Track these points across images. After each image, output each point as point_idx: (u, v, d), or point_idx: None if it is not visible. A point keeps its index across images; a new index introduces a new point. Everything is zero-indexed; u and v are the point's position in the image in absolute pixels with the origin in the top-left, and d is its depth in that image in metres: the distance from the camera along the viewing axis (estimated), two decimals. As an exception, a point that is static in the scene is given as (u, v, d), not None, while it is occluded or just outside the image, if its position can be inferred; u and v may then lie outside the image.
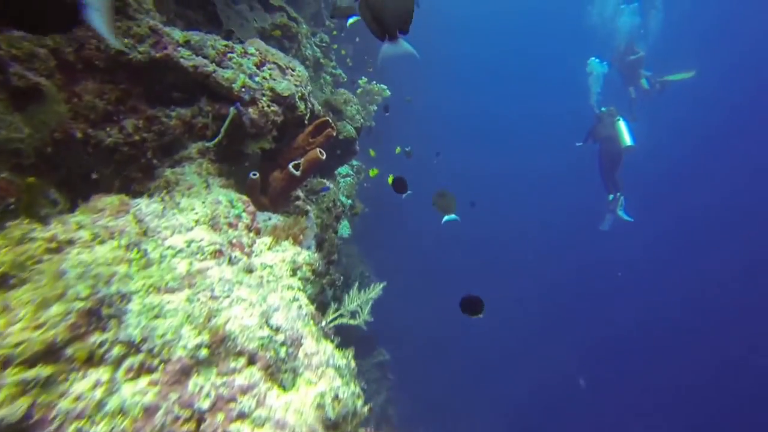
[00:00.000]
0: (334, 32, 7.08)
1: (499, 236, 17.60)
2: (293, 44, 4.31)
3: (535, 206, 20.43)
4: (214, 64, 1.92)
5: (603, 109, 6.91)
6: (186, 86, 1.88)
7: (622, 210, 6.77)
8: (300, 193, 2.45)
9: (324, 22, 6.74)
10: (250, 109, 1.98)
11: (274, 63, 2.17)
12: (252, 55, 2.10)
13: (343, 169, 6.08)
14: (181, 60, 1.80)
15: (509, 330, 13.88)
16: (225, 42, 2.02)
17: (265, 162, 2.27)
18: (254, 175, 2.06)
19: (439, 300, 15.16)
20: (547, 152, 20.33)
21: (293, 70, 2.26)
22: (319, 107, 2.66)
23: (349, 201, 6.03)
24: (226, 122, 1.89)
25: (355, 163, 6.88)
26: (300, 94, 2.24)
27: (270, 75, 2.12)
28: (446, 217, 3.10)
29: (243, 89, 1.95)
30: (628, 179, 7.03)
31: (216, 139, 1.90)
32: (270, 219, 2.10)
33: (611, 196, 6.87)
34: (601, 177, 6.97)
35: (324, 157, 2.16)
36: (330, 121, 2.27)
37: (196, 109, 1.89)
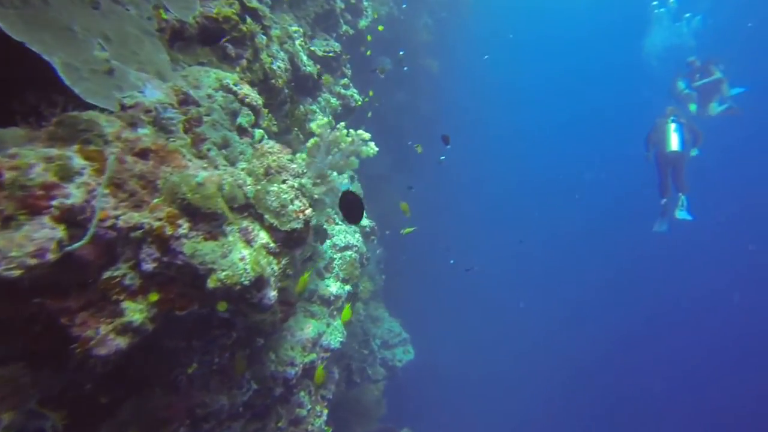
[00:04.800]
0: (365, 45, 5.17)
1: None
2: (242, 51, 2.46)
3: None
4: None
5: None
6: None
7: (684, 210, 6.32)
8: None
9: (337, 27, 4.81)
10: None
11: None
12: None
13: (340, 239, 4.11)
14: None
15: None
16: None
17: None
18: None
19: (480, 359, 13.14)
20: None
21: None
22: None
23: (347, 287, 4.02)
24: None
25: (365, 223, 4.89)
26: None
27: None
28: None
29: None
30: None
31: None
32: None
33: (663, 200, 6.67)
34: (658, 181, 6.78)
35: None
36: None
37: None
